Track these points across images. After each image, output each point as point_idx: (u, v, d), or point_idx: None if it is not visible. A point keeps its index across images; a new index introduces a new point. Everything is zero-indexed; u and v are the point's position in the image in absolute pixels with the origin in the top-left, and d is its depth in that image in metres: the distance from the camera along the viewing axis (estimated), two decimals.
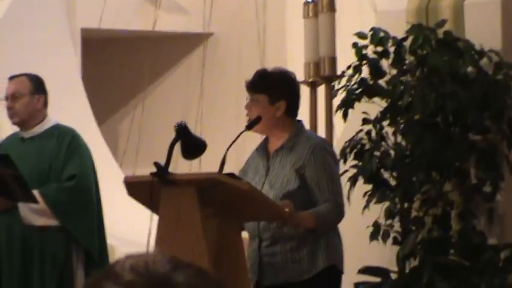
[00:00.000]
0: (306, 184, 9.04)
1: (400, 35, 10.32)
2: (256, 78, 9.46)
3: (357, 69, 10.17)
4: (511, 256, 9.89)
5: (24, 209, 9.98)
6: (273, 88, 9.34)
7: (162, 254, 2.13)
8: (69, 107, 12.07)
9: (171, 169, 8.91)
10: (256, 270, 9.15)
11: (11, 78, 10.43)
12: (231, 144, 9.03)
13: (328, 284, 9.42)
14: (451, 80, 10.30)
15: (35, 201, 9.93)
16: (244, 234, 9.74)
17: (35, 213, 10.13)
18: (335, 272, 9.23)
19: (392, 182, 10.33)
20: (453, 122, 10.39)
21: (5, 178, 10.27)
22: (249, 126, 9.16)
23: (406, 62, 10.34)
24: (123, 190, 9.39)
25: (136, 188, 9.23)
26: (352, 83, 10.31)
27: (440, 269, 9.99)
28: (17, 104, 10.17)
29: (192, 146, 9.37)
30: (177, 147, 9.21)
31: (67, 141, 10.36)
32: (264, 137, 9.45)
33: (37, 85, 10.26)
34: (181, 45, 15.04)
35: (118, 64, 15.25)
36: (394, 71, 10.32)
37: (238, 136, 9.18)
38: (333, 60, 10.80)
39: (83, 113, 12.72)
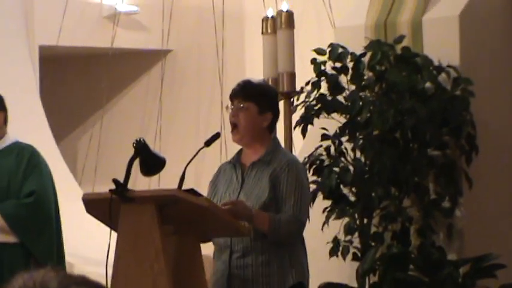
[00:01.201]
0: (277, 196, 9.10)
1: (358, 50, 10.40)
2: (246, 86, 9.48)
3: (316, 85, 10.29)
4: (470, 272, 9.97)
5: None
6: (262, 98, 9.41)
7: (57, 272, 2.20)
8: (27, 125, 12.09)
9: (130, 186, 8.89)
10: (225, 282, 9.16)
11: None
12: (190, 161, 9.11)
13: None
14: (409, 95, 10.43)
15: None
16: (205, 252, 9.68)
17: None
18: None
19: (352, 198, 10.44)
20: (412, 138, 10.48)
21: None
22: (208, 143, 9.17)
23: (365, 77, 10.43)
24: (82, 207, 9.32)
25: (95, 205, 9.24)
26: (311, 98, 10.39)
27: (400, 284, 10.10)
28: None
29: (151, 162, 9.41)
30: (136, 163, 9.16)
31: (26, 158, 10.48)
32: (236, 149, 9.45)
33: None
34: (140, 62, 15.17)
35: (76, 81, 15.36)
36: (352, 87, 10.39)
37: (197, 152, 9.19)
38: (291, 76, 10.82)
39: (41, 130, 12.81)
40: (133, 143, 9.17)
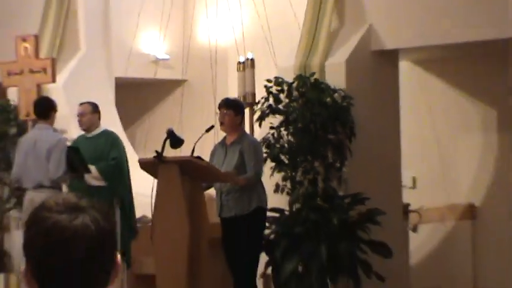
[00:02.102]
0: (244, 161, 9.70)
1: (290, 80, 10.62)
2: (227, 100, 9.96)
3: (266, 99, 10.56)
4: (350, 202, 10.38)
5: (87, 177, 10.53)
6: (236, 107, 9.84)
7: (76, 196, 1.98)
8: (109, 122, 12.17)
9: (164, 154, 9.40)
10: (219, 208, 9.81)
11: (81, 104, 10.79)
12: (197, 141, 9.61)
13: (259, 216, 9.91)
14: (318, 105, 10.66)
15: (89, 172, 10.46)
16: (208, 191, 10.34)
17: (92, 178, 10.58)
18: (262, 209, 9.89)
19: (286, 161, 10.67)
20: (319, 128, 10.58)
21: (74, 161, 10.56)
22: (207, 130, 9.81)
23: (294, 95, 10.66)
24: (138, 166, 9.93)
25: (145, 165, 9.77)
26: (264, 106, 10.55)
27: (313, 208, 10.39)
28: (83, 118, 10.59)
29: (175, 141, 9.83)
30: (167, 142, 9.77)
31: (111, 138, 10.89)
32: (223, 135, 10.00)
33: (95, 107, 10.65)
34: (169, 86, 14.79)
35: (132, 99, 15.03)
36: (287, 100, 10.67)
37: (201, 136, 9.76)
38: (253, 95, 11.07)
39: (116, 124, 12.81)
40: (166, 130, 9.83)
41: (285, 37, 12.25)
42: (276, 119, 10.51)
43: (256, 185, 10.01)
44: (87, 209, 1.92)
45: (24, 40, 12.29)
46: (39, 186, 10.25)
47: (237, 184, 9.98)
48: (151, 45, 14.14)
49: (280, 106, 10.45)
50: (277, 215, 10.30)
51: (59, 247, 1.94)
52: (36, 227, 1.96)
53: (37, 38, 12.40)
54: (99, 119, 10.61)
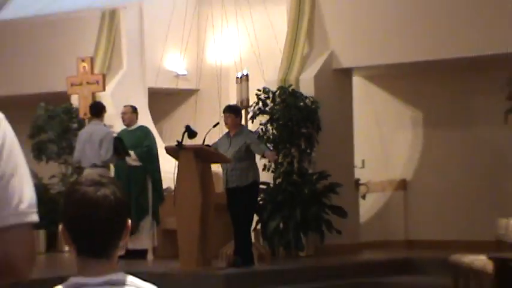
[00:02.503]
0: (248, 146, 9.80)
1: (274, 89, 10.81)
2: (229, 106, 10.04)
3: (257, 103, 10.76)
4: (317, 177, 10.54)
5: (128, 159, 10.68)
6: (236, 111, 9.86)
7: (100, 175, 2.03)
8: (144, 120, 12.32)
9: (183, 143, 9.47)
10: (225, 181, 9.91)
11: (124, 106, 10.98)
12: (206, 133, 9.60)
13: (254, 188, 9.97)
14: (294, 108, 10.85)
15: (129, 156, 10.58)
16: (214, 169, 10.37)
17: (132, 160, 10.74)
18: (257, 183, 9.98)
19: (271, 148, 10.58)
20: (295, 125, 10.76)
21: (119, 148, 10.59)
22: (214, 126, 9.83)
23: (277, 101, 10.89)
24: (164, 151, 9.95)
25: (170, 151, 9.71)
26: (255, 109, 10.71)
27: (290, 182, 10.62)
28: (125, 116, 10.75)
29: (191, 134, 9.80)
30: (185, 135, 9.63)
31: (145, 131, 11.03)
32: (226, 130, 10.02)
33: (134, 109, 10.80)
34: (186, 95, 14.65)
35: (163, 106, 14.73)
36: (271, 104, 10.87)
37: (210, 130, 9.76)
38: (247, 100, 11.02)
39: (149, 121, 12.86)
40: (185, 126, 9.84)
41: (271, 59, 11.33)
42: (263, 118, 10.67)
43: (253, 164, 9.98)
44: (108, 184, 1.90)
45: (83, 60, 11.41)
46: (94, 166, 10.21)
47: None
48: (174, 63, 13.04)
49: (267, 108, 10.64)
50: (264, 187, 10.39)
51: (85, 211, 1.94)
52: (70, 196, 1.94)
53: (92, 59, 11.79)
54: (137, 117, 10.74)
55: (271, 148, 10.65)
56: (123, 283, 2.03)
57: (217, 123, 10.12)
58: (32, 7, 13.54)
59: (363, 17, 10.91)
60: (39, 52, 13.11)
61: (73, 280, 2.02)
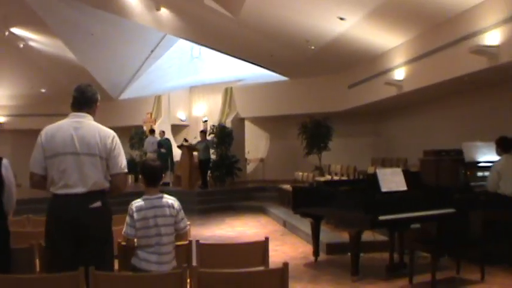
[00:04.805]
0: (207, 145, 10.99)
1: (216, 125, 13.92)
2: (202, 130, 11.92)
3: (212, 131, 13.82)
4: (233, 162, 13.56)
5: (161, 149, 12.06)
6: (204, 132, 12.12)
7: (154, 157, 2.68)
8: (168, 135, 15.32)
9: (183, 144, 12.65)
10: (198, 157, 11.28)
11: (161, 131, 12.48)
12: (188, 141, 11.63)
13: (209, 160, 12.25)
14: (223, 132, 14.09)
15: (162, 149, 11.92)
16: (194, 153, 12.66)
17: (162, 150, 11.74)
18: (209, 159, 12.21)
19: (215, 146, 14.15)
20: (223, 138, 14.21)
21: (160, 146, 12.00)
22: (186, 140, 11.71)
23: (216, 129, 13.90)
24: (176, 147, 13.25)
25: (178, 146, 13.40)
26: (210, 131, 13.69)
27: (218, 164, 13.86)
28: (160, 134, 12.78)
29: (186, 141, 13.06)
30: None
31: (166, 140, 13.12)
32: (199, 139, 11.45)
33: (163, 132, 13.26)
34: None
35: (174, 132, 18.04)
36: (215, 130, 14.29)
37: (187, 141, 11.64)
38: (207, 129, 13.62)
39: (170, 136, 15.32)
40: (183, 139, 13.53)
41: (216, 114, 17.07)
42: (212, 135, 15.02)
43: (208, 152, 13.34)
44: (156, 160, 3.11)
45: (148, 113, 17.91)
46: (151, 152, 14.03)
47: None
48: (181, 116, 18.37)
49: (214, 132, 15.27)
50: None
51: (151, 170, 3.28)
52: (144, 163, 3.45)
53: (151, 114, 17.78)
54: (164, 134, 14.98)
55: (214, 146, 14.32)
56: (163, 197, 3.79)
57: (186, 140, 13.52)
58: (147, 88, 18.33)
59: (250, 99, 16.73)
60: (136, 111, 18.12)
61: (144, 196, 3.76)
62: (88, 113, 4.12)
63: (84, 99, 4.13)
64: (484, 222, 6.63)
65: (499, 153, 7.55)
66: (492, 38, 8.56)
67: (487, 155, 8.15)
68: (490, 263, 6.81)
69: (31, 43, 17.72)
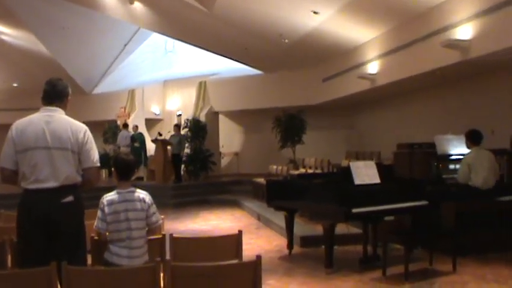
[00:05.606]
0: (182, 139, 10.88)
1: (191, 118, 13.58)
2: (176, 124, 11.15)
3: (186, 125, 13.56)
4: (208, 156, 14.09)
5: (135, 144, 11.79)
6: (178, 126, 11.78)
7: (127, 151, 2.88)
8: (142, 129, 15.35)
9: (157, 138, 12.61)
10: (171, 151, 11.15)
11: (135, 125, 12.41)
12: (163, 135, 11.70)
13: (181, 154, 12.35)
14: (197, 126, 14.07)
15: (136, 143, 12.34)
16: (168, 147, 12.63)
17: (136, 144, 11.48)
18: (180, 154, 11.88)
19: (189, 140, 14.10)
20: (198, 132, 14.21)
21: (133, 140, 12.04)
22: (160, 134, 11.34)
23: (190, 124, 13.68)
24: (149, 141, 13.09)
25: (152, 140, 13.21)
26: (184, 125, 13.48)
27: (192, 157, 13.75)
28: (134, 128, 12.74)
29: (160, 135, 13.17)
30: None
31: (140, 134, 12.84)
32: (173, 133, 11.15)
33: (136, 127, 12.93)
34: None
35: (148, 126, 18.10)
36: (189, 124, 14.15)
37: (161, 134, 11.55)
38: (181, 122, 13.57)
39: (144, 130, 15.23)
40: (157, 132, 13.54)
41: (190, 109, 17.17)
42: (186, 130, 15.09)
43: (182, 145, 13.57)
44: (129, 154, 3.07)
45: (121, 108, 18.11)
46: (124, 146, 14.36)
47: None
48: (155, 109, 18.39)
49: (188, 126, 15.27)
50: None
51: (123, 163, 3.34)
52: (117, 157, 3.44)
53: (125, 108, 18.08)
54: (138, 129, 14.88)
55: (189, 140, 14.58)
56: (135, 191, 3.81)
57: (160, 134, 13.85)
58: (119, 83, 18.36)
59: (224, 93, 16.94)
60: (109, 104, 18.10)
61: (116, 190, 3.82)
62: (59, 106, 4.09)
63: (55, 93, 4.10)
64: (456, 213, 6.83)
65: (468, 146, 7.66)
66: (464, 32, 8.72)
67: (459, 148, 8.28)
68: (461, 254, 6.91)
69: (2, 37, 17.63)
